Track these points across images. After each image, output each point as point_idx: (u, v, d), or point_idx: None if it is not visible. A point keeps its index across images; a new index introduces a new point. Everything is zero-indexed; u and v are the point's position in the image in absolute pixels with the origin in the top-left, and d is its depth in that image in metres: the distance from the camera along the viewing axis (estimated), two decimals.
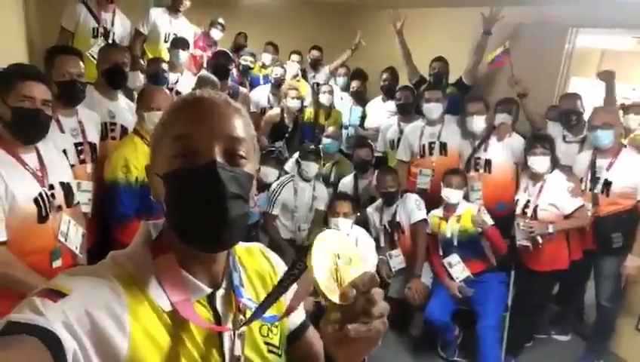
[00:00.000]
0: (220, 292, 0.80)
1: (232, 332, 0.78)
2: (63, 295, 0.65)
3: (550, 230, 2.98)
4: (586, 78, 5.75)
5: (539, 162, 3.04)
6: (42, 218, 1.81)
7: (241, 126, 0.76)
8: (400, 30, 4.30)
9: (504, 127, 3.45)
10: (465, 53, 4.21)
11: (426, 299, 3.22)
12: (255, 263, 0.91)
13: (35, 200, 1.78)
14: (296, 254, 0.65)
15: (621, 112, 3.44)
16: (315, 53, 5.29)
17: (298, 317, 0.94)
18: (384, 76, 4.51)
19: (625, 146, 3.11)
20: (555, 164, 3.10)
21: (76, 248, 2.00)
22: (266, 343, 0.85)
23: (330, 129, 4.05)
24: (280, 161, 3.74)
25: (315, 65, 5.31)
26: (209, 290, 0.78)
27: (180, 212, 0.72)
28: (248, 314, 0.79)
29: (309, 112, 4.60)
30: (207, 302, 0.78)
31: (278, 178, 3.54)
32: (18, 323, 0.60)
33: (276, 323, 0.88)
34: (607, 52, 6.38)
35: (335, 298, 0.61)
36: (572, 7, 3.71)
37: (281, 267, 0.94)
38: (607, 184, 3.02)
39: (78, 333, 0.63)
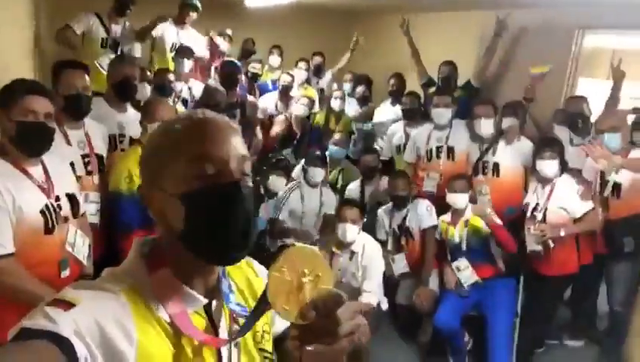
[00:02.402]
0: (216, 302, 0.82)
1: (229, 342, 0.81)
2: (72, 305, 0.67)
3: (562, 233, 2.93)
4: (597, 79, 5.66)
5: (548, 166, 3.00)
6: (49, 229, 1.83)
7: (243, 145, 0.80)
8: (406, 31, 4.34)
9: (512, 131, 3.41)
10: (472, 56, 4.18)
11: (435, 306, 3.20)
12: (242, 274, 0.93)
13: (42, 212, 1.81)
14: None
15: (632, 116, 3.22)
16: (317, 59, 5.29)
17: (283, 324, 0.95)
18: (392, 81, 4.52)
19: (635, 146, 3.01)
20: (564, 167, 3.06)
21: (83, 258, 2.02)
22: (260, 349, 0.88)
23: (337, 136, 4.05)
24: (288, 169, 3.74)
25: (318, 71, 5.31)
26: (205, 301, 0.80)
27: (205, 230, 0.74)
28: (241, 321, 0.82)
29: (318, 117, 4.61)
30: (204, 311, 0.80)
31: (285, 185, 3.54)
32: (32, 330, 0.62)
33: (268, 330, 0.91)
34: (618, 51, 6.28)
35: (292, 319, 0.61)
36: (578, 8, 3.66)
37: (264, 276, 0.95)
38: (617, 186, 2.98)
39: (89, 342, 0.65)
